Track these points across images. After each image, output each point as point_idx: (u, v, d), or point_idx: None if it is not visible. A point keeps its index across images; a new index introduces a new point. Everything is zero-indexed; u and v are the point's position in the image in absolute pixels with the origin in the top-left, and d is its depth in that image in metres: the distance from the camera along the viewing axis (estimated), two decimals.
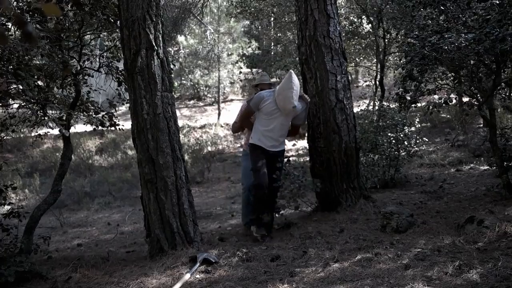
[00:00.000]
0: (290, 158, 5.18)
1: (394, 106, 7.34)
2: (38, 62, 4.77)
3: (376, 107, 9.43)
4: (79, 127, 9.22)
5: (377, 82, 11.21)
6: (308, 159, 5.47)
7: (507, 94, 5.60)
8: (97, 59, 5.36)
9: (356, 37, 11.53)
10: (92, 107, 5.19)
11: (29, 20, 4.09)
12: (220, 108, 17.45)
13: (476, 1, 4.59)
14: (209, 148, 13.41)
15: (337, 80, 4.84)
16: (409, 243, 3.51)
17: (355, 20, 11.21)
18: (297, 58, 7.23)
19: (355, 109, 5.82)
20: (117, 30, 4.98)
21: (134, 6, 3.92)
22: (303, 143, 11.33)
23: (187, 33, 18.25)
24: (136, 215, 7.83)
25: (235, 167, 11.94)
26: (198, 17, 16.09)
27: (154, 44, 3.97)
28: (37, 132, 5.57)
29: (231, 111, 17.16)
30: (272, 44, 16.92)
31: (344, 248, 3.60)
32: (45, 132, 5.65)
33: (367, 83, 17.08)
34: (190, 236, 4.04)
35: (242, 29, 19.25)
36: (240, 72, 18.54)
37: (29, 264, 3.86)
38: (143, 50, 3.94)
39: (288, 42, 13.86)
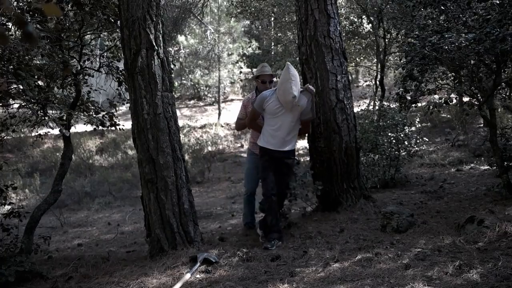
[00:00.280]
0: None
1: (394, 106, 7.34)
2: (38, 62, 4.77)
3: (377, 107, 9.44)
4: (79, 127, 9.21)
5: (378, 82, 11.21)
6: (308, 159, 5.47)
7: (507, 94, 5.59)
8: (98, 59, 5.37)
9: (357, 37, 11.54)
10: (92, 107, 5.19)
11: (29, 20, 4.09)
12: (220, 108, 17.46)
13: (476, 1, 4.59)
14: (210, 148, 13.42)
15: (337, 80, 4.84)
16: (409, 243, 3.51)
17: (356, 20, 11.21)
18: (297, 58, 7.23)
19: (356, 109, 5.83)
20: (117, 30, 4.99)
21: (135, 6, 3.92)
22: (303, 143, 11.32)
23: (187, 33, 18.26)
24: (136, 215, 7.84)
25: (235, 167, 11.94)
26: (199, 17, 16.10)
27: (154, 44, 3.97)
28: (37, 132, 5.58)
29: (232, 111, 17.17)
30: (273, 44, 16.90)
31: (345, 248, 3.60)
32: (45, 132, 5.65)
33: (367, 83, 17.11)
34: (190, 236, 4.04)
35: (242, 29, 19.24)
36: (241, 72, 18.52)
37: (29, 264, 3.86)
38: (144, 50, 3.94)
39: (288, 42, 13.85)
